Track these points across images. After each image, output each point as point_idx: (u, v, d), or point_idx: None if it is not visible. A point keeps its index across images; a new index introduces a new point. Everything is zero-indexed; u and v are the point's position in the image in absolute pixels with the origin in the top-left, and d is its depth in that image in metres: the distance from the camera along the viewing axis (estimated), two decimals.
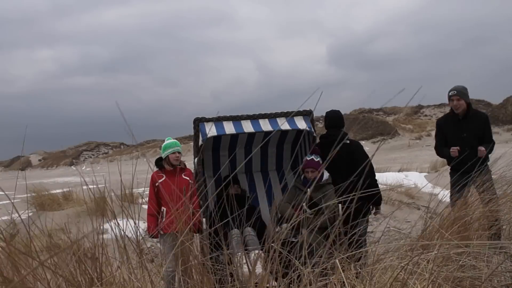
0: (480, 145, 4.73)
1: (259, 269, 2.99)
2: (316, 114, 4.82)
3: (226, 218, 3.30)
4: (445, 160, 5.37)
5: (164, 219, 4.44)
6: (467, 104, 4.86)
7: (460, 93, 4.84)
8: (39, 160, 67.65)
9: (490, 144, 4.84)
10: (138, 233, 2.73)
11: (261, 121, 4.51)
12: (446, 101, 5.11)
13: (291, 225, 2.39)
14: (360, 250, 2.70)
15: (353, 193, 2.42)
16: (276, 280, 2.44)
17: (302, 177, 4.48)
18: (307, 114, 4.55)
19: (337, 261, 2.28)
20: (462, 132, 4.83)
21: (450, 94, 4.88)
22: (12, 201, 2.28)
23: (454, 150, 4.77)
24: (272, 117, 4.54)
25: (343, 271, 2.26)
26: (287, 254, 2.46)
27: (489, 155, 4.84)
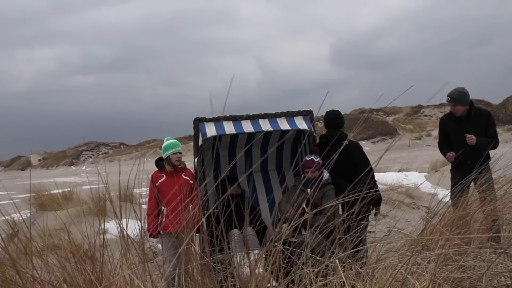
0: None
1: (259, 269, 2.99)
2: (316, 113, 4.82)
3: (227, 219, 3.30)
4: (445, 160, 5.39)
5: (164, 219, 4.44)
6: (467, 105, 4.88)
7: (454, 99, 4.85)
8: (39, 160, 67.65)
9: (491, 139, 4.83)
10: (138, 233, 2.73)
11: (261, 121, 4.51)
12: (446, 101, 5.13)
13: (290, 226, 2.39)
14: (360, 247, 2.70)
15: (354, 194, 2.42)
16: (276, 280, 2.44)
17: (302, 177, 4.48)
18: (307, 114, 4.54)
19: (337, 260, 2.28)
20: (464, 132, 4.85)
21: (446, 100, 4.96)
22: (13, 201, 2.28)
23: (450, 156, 4.88)
24: (272, 117, 4.53)
25: (343, 270, 2.26)
26: (289, 254, 2.46)
27: (490, 152, 4.85)
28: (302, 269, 2.39)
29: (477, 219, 3.59)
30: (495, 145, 4.86)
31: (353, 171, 3.84)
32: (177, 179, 4.48)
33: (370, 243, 3.95)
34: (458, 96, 4.84)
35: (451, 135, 5.02)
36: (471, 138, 4.73)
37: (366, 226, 4.27)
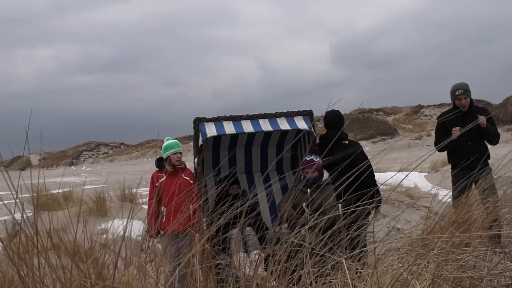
0: (481, 136, 4.81)
1: (259, 269, 2.99)
2: (316, 113, 4.82)
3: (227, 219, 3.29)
4: (445, 160, 5.39)
5: (164, 219, 4.44)
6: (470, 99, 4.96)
7: (466, 91, 4.94)
8: (39, 160, 67.62)
9: (496, 132, 4.93)
10: (138, 233, 2.73)
11: (261, 121, 4.51)
12: (446, 101, 5.15)
13: (290, 226, 2.39)
14: (360, 247, 2.70)
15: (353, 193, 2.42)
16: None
17: (302, 177, 4.48)
18: (307, 114, 4.54)
19: (343, 260, 2.28)
20: (466, 126, 4.87)
21: (457, 93, 4.94)
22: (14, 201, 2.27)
23: (455, 130, 4.81)
24: (272, 117, 4.54)
25: (343, 271, 2.26)
26: (289, 254, 2.46)
27: (491, 152, 4.87)
28: (302, 268, 2.40)
29: (478, 219, 3.59)
30: (497, 140, 4.97)
31: (353, 172, 3.83)
32: (177, 179, 4.48)
33: (370, 243, 3.94)
34: (467, 87, 4.95)
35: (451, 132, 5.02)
36: (482, 120, 4.76)
37: (366, 226, 4.26)
